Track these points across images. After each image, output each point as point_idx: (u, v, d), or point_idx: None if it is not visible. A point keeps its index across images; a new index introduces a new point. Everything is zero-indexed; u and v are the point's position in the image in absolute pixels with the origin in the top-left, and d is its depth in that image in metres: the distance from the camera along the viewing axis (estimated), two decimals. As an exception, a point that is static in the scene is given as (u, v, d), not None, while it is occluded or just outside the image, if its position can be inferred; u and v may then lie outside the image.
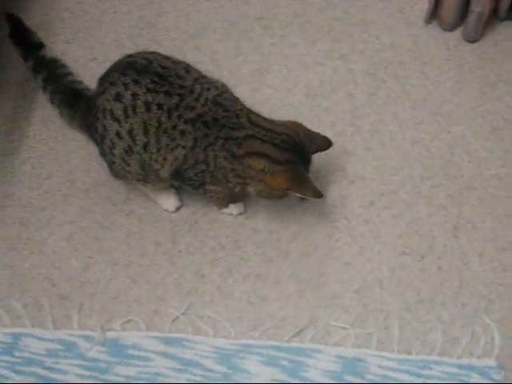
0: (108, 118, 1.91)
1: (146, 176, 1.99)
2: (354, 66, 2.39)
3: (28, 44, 2.29)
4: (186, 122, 1.86)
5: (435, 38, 2.44)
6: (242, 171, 1.90)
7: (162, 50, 2.36)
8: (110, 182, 2.18)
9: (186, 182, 2.00)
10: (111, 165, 2.02)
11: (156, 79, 1.87)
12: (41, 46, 2.30)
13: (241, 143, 1.87)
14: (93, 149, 2.09)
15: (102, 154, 2.02)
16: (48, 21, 2.54)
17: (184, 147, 1.88)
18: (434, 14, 2.45)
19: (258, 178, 1.89)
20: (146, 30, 2.51)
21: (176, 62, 1.95)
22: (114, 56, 2.37)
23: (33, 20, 2.52)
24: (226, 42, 2.47)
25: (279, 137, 1.88)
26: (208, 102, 1.88)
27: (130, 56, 1.98)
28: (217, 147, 1.87)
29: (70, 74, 2.27)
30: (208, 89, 1.91)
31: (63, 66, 2.28)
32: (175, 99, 1.86)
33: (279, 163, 1.87)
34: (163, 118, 1.86)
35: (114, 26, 2.53)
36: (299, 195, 1.91)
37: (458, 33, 2.43)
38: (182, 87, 1.88)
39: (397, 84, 2.34)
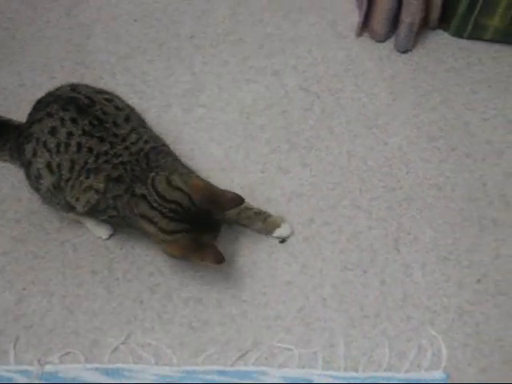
0: (41, 147, 1.86)
1: (72, 207, 1.95)
2: (288, 81, 2.37)
3: None
4: (108, 164, 1.82)
5: (367, 49, 2.43)
6: (143, 229, 1.86)
7: (91, 73, 2.35)
8: (43, 211, 2.12)
9: (104, 221, 2.01)
10: (37, 191, 1.97)
11: (95, 123, 1.83)
12: None
13: (137, 202, 1.82)
14: (23, 177, 2.02)
15: (28, 177, 1.97)
16: (-27, 46, 2.49)
17: (97, 191, 1.84)
18: (365, 26, 2.44)
19: (154, 240, 1.86)
20: (74, 52, 2.46)
21: (118, 109, 1.91)
22: (43, 80, 2.35)
23: (-43, 46, 2.47)
24: (156, 62, 2.43)
25: (168, 205, 1.78)
26: (140, 153, 1.85)
27: (73, 89, 1.93)
28: (124, 200, 1.83)
29: None
30: (146, 141, 1.88)
31: None
32: (106, 146, 1.83)
33: (167, 233, 1.80)
34: (90, 160, 1.83)
35: (42, 51, 2.48)
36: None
37: (390, 44, 2.43)
38: (115, 135, 1.84)
39: (331, 98, 2.33)
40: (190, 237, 1.79)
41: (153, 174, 1.82)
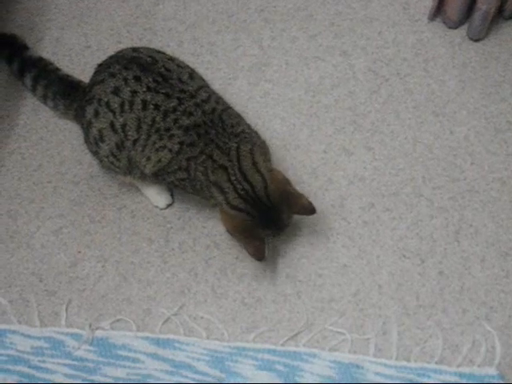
0: (103, 107, 1.87)
1: (132, 170, 1.95)
2: (356, 62, 2.33)
3: (12, 47, 2.26)
4: (179, 127, 1.82)
5: (439, 35, 2.38)
6: (211, 195, 1.84)
7: (158, 40, 2.34)
8: (102, 175, 2.12)
9: (169, 185, 1.99)
10: (95, 155, 1.98)
11: (159, 79, 1.83)
12: (25, 47, 2.27)
13: (215, 170, 1.80)
14: (85, 140, 2.03)
15: (86, 141, 1.98)
16: (42, 6, 2.48)
17: (170, 150, 1.84)
18: (438, 11, 2.39)
19: (219, 207, 1.84)
20: (142, 18, 2.45)
21: (181, 67, 1.91)
22: (109, 44, 2.34)
23: (27, 4, 2.47)
24: (224, 33, 2.40)
25: (243, 184, 1.77)
26: (214, 114, 1.84)
27: (134, 50, 1.94)
28: (199, 161, 1.81)
29: (60, 69, 2.21)
30: (217, 102, 1.88)
31: (51, 63, 2.22)
32: (174, 102, 1.82)
33: (229, 206, 1.79)
34: (158, 119, 1.82)
35: (110, 14, 2.47)
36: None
37: (462, 31, 2.37)
38: (183, 91, 1.84)
39: (399, 82, 2.28)
40: (247, 220, 1.79)
41: (235, 145, 1.81)
